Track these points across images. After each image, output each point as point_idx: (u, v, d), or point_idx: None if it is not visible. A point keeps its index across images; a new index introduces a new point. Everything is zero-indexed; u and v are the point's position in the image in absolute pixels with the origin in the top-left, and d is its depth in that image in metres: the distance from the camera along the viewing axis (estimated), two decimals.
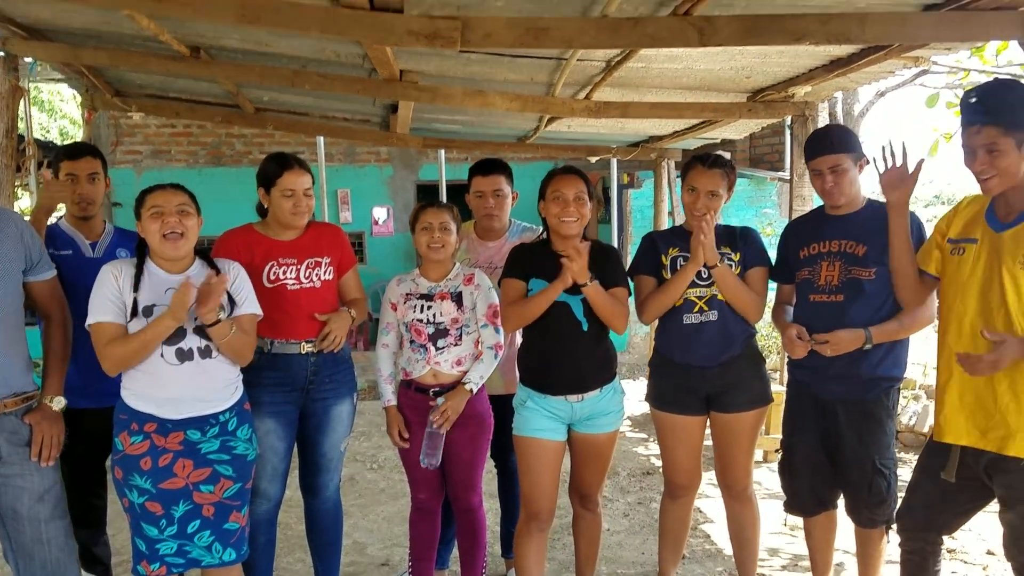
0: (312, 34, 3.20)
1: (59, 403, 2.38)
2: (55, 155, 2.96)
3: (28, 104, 4.18)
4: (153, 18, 3.25)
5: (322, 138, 7.14)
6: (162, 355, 2.35)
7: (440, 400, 2.85)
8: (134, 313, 2.36)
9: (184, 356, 2.37)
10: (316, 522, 2.99)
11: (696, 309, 2.88)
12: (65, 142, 11.46)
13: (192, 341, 2.38)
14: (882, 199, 2.65)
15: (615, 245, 8.00)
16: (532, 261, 2.82)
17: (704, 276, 2.86)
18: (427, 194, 9.64)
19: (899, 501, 2.84)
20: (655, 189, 7.74)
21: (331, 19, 2.73)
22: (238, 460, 2.46)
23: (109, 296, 2.37)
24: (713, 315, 2.87)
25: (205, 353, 2.40)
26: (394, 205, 9.55)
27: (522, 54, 3.74)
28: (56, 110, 15.28)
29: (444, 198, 6.85)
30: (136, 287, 2.37)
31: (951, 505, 2.45)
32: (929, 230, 2.59)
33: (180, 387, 2.37)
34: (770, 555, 3.58)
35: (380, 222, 9.53)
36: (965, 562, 3.57)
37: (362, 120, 6.69)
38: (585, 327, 2.76)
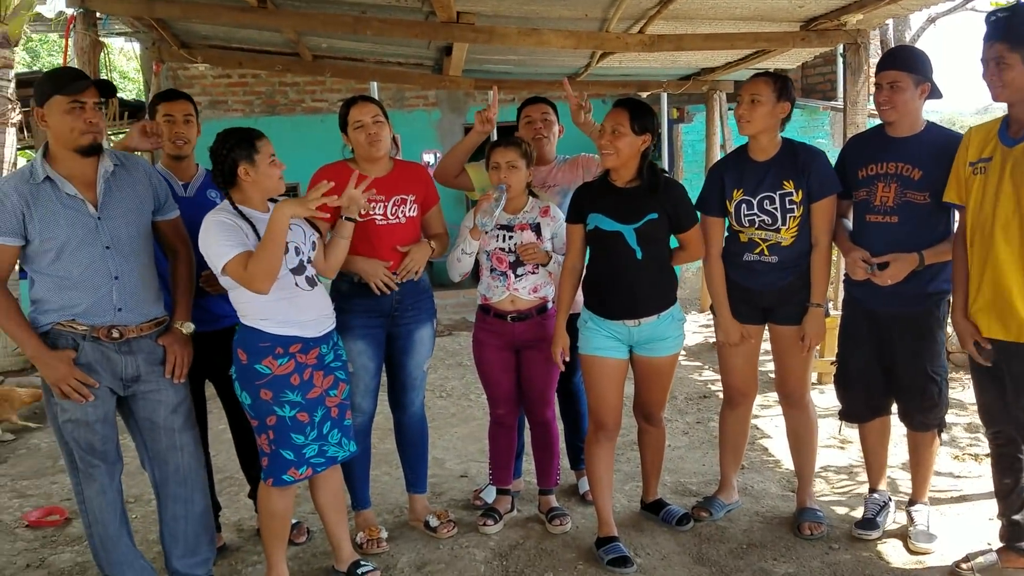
0: None
1: (188, 327, 2.64)
2: (151, 100, 3.16)
3: (107, 57, 4.41)
4: None
5: (375, 83, 7.26)
6: (296, 284, 2.62)
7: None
8: None
9: (311, 283, 2.69)
10: (405, 434, 3.28)
11: (758, 251, 3.01)
12: (120, 96, 11.73)
13: (310, 270, 2.69)
14: (944, 125, 2.74)
15: None
16: (589, 197, 2.97)
17: (769, 223, 2.96)
18: None
19: (948, 407, 3.00)
20: (707, 122, 7.66)
21: None
22: (345, 366, 2.81)
23: (238, 238, 2.49)
24: (773, 259, 3.00)
25: (315, 281, 2.72)
26: (442, 149, 9.62)
27: None
28: (107, 64, 15.57)
29: (495, 138, 6.94)
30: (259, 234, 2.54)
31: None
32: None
33: (315, 308, 2.68)
34: (823, 466, 3.76)
35: (430, 166, 9.68)
36: None
37: (415, 64, 6.80)
38: (639, 255, 2.88)
